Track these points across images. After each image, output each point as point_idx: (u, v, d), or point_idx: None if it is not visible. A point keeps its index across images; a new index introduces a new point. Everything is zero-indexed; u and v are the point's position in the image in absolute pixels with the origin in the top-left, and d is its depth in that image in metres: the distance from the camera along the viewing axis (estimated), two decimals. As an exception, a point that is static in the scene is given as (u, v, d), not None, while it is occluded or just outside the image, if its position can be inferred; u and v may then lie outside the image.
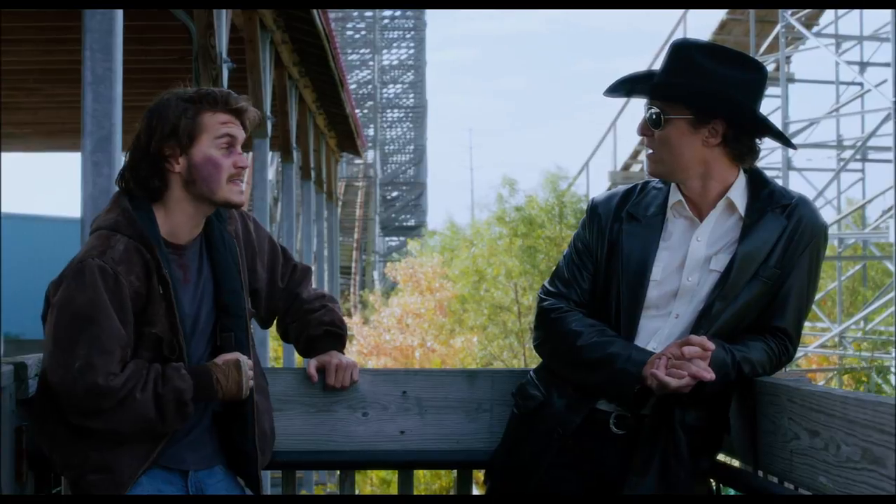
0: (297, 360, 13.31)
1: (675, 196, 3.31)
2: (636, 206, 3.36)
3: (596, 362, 3.24)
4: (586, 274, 3.40)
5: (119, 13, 4.88)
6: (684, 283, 3.26)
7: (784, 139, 3.48)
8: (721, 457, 3.62)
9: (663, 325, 3.27)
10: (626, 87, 3.34)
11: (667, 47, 3.31)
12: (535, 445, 3.34)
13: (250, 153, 9.87)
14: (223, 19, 7.96)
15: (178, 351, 3.17)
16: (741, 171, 3.29)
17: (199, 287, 3.30)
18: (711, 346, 3.09)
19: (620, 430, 3.27)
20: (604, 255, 3.36)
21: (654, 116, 3.21)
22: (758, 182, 3.31)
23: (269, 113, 10.15)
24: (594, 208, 3.46)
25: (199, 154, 3.20)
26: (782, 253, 3.21)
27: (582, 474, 3.31)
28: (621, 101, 21.30)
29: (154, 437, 3.17)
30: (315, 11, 10.33)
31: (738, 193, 3.27)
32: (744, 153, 3.25)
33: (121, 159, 4.89)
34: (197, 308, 3.29)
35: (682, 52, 3.21)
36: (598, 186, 23.81)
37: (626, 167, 23.04)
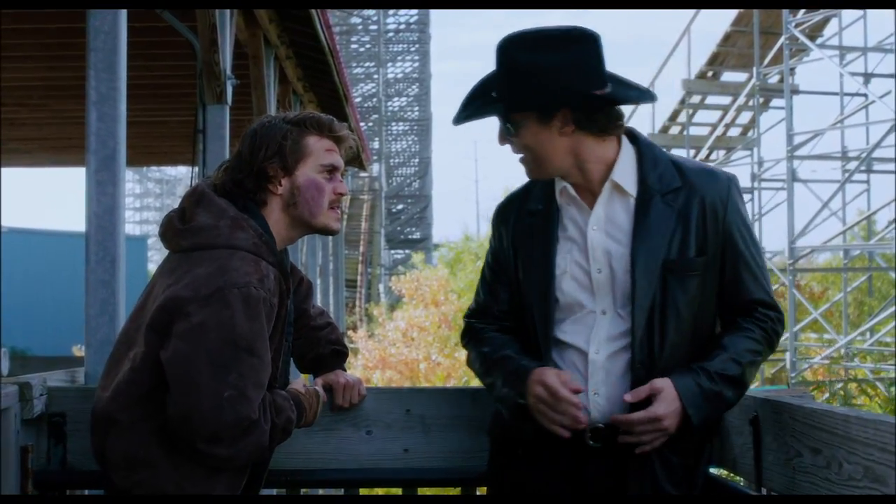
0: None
1: (559, 183, 3.18)
2: (530, 202, 3.26)
3: (489, 385, 3.26)
4: (501, 286, 3.31)
5: (123, 32, 4.91)
6: (595, 276, 3.11)
7: (638, 98, 3.22)
8: (724, 473, 3.63)
9: (596, 325, 3.12)
10: (469, 110, 3.17)
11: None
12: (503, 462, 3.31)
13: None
14: (227, 35, 7.99)
15: (274, 377, 3.14)
16: (623, 143, 3.15)
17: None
18: (659, 411, 2.97)
19: (596, 443, 3.10)
20: (513, 260, 3.26)
21: (508, 125, 3.09)
22: (647, 158, 3.15)
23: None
24: (496, 214, 3.37)
25: (303, 177, 3.17)
26: (698, 239, 3.06)
27: (564, 486, 3.17)
28: (627, 111, 21.26)
29: (247, 466, 3.14)
30: (319, 27, 10.35)
31: (625, 172, 3.12)
32: (604, 127, 3.09)
33: (125, 178, 4.92)
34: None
35: (504, 55, 3.05)
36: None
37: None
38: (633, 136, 3.19)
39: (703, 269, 3.07)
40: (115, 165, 4.78)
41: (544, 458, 3.16)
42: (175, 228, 3.16)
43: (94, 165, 4.78)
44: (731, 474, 3.52)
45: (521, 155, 3.13)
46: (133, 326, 3.14)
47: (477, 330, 3.37)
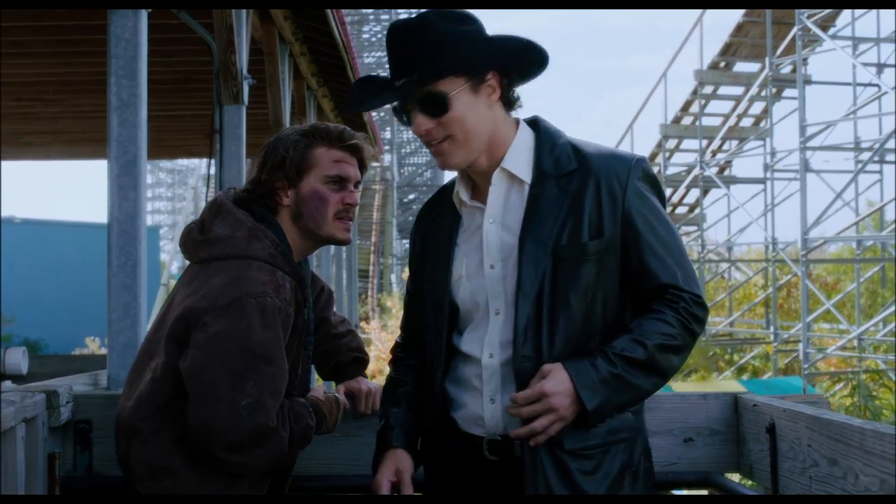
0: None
1: (458, 185, 3.02)
2: (439, 208, 3.11)
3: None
4: (415, 302, 3.18)
5: (144, 39, 4.96)
6: (488, 272, 2.91)
7: (533, 55, 2.92)
8: (737, 478, 3.67)
9: (490, 327, 2.92)
10: (372, 96, 2.95)
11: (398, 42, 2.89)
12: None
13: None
14: (243, 36, 8.03)
15: (297, 386, 3.20)
16: (521, 128, 2.98)
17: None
18: (545, 387, 2.74)
19: (494, 457, 2.92)
20: (420, 271, 3.13)
21: (436, 102, 2.82)
22: (545, 143, 2.95)
23: (287, 124, 10.21)
24: (413, 225, 3.21)
25: (307, 187, 3.20)
26: (592, 223, 2.81)
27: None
28: (639, 101, 21.34)
29: (268, 472, 3.17)
30: (333, 22, 10.38)
31: (518, 158, 2.92)
32: (513, 98, 2.95)
33: (146, 183, 4.97)
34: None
35: (419, 30, 2.82)
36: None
37: (644, 169, 22.97)
38: (535, 124, 3.01)
39: (598, 254, 2.81)
40: (137, 170, 4.83)
41: (448, 475, 3.04)
42: (194, 240, 3.22)
43: (115, 170, 4.83)
44: (747, 480, 3.55)
45: (442, 137, 2.86)
46: (154, 337, 3.19)
47: (393, 359, 3.28)
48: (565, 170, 2.87)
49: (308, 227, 3.21)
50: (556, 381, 2.72)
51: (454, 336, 3.02)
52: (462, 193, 3.00)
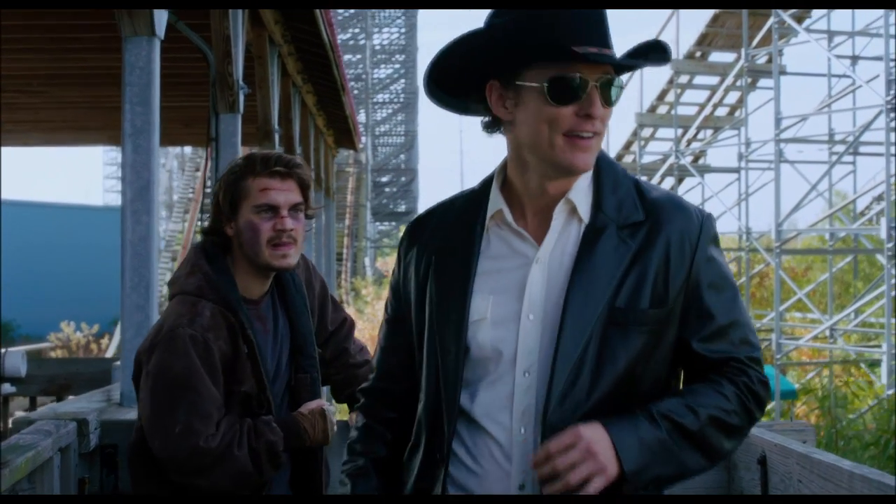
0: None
1: (495, 203, 2.46)
2: (447, 226, 2.51)
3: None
4: (400, 350, 2.57)
5: (157, 68, 5.11)
6: (524, 323, 2.37)
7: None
8: None
9: (517, 391, 2.36)
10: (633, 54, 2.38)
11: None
12: None
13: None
14: (240, 46, 8.18)
15: (266, 405, 3.34)
16: None
17: (277, 334, 3.46)
18: (580, 431, 2.24)
19: None
20: (417, 298, 2.51)
21: (617, 89, 2.36)
22: (607, 177, 2.44)
23: (276, 126, 10.36)
24: (404, 239, 2.61)
25: (242, 219, 3.34)
26: (656, 289, 2.35)
27: None
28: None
29: (254, 489, 3.33)
30: (322, 23, 10.52)
31: (581, 192, 2.42)
32: None
33: (159, 207, 5.14)
34: (278, 354, 3.46)
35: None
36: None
37: (619, 157, 23.20)
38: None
39: (656, 325, 2.36)
40: (149, 196, 4.99)
41: None
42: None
43: (129, 195, 5.00)
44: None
45: (597, 131, 2.35)
46: None
47: (362, 407, 2.66)
48: (630, 220, 2.39)
49: (249, 257, 3.37)
50: (594, 430, 2.26)
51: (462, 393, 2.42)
52: (505, 211, 2.44)
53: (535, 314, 2.37)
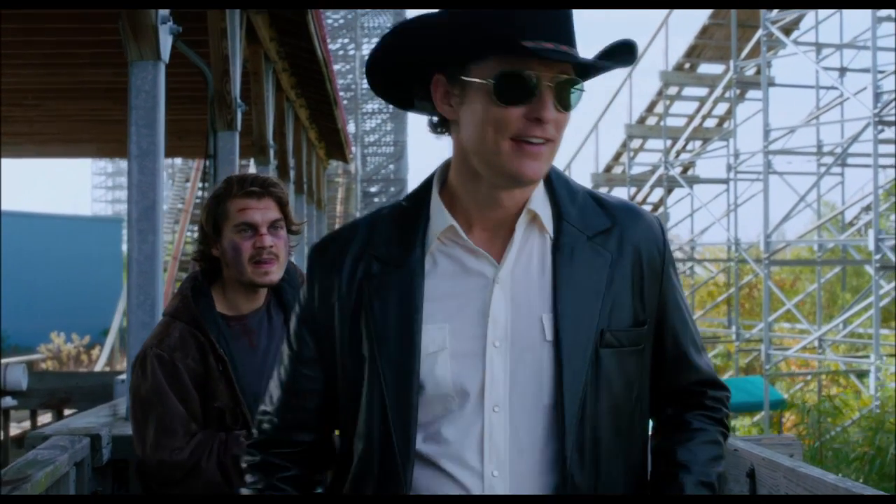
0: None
1: (441, 218, 2.16)
2: (384, 245, 2.17)
3: None
4: (315, 394, 2.23)
5: (162, 91, 5.23)
6: (490, 352, 2.09)
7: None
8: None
9: (489, 428, 2.08)
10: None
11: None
12: None
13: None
14: (237, 65, 8.29)
15: (241, 419, 3.44)
16: None
17: (269, 349, 3.55)
18: None
19: None
20: (344, 340, 2.16)
21: (575, 92, 2.07)
22: (559, 183, 2.21)
23: (271, 141, 10.47)
24: (314, 268, 2.24)
25: (225, 240, 3.49)
26: (636, 302, 2.15)
27: None
28: (605, 100, 21.76)
29: None
30: (316, 39, 10.64)
31: (539, 199, 2.17)
32: None
33: (162, 227, 5.26)
34: (270, 365, 3.50)
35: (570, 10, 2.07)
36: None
37: (609, 168, 23.31)
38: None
39: (643, 343, 2.18)
40: (155, 216, 5.12)
41: None
42: None
43: (135, 215, 5.12)
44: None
45: (550, 137, 2.07)
46: None
47: (256, 466, 2.28)
48: (599, 228, 2.16)
49: (234, 276, 3.51)
50: None
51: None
52: (457, 227, 2.14)
53: (501, 341, 2.09)
